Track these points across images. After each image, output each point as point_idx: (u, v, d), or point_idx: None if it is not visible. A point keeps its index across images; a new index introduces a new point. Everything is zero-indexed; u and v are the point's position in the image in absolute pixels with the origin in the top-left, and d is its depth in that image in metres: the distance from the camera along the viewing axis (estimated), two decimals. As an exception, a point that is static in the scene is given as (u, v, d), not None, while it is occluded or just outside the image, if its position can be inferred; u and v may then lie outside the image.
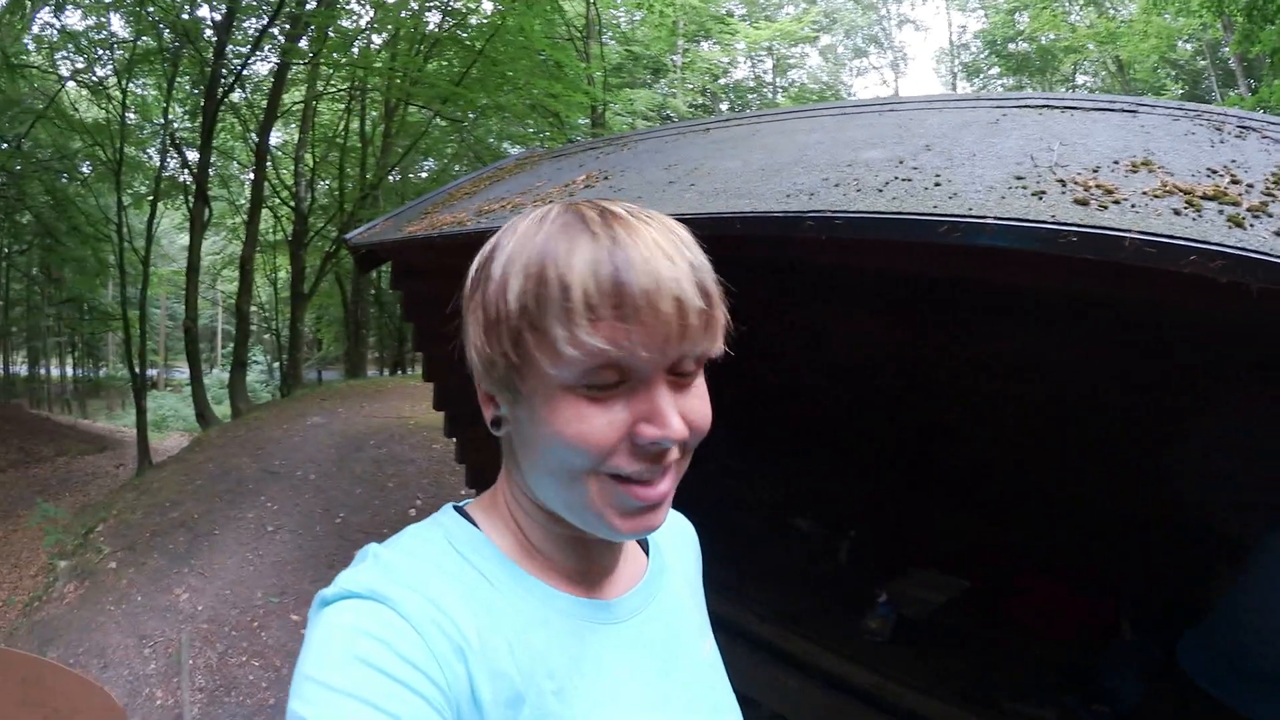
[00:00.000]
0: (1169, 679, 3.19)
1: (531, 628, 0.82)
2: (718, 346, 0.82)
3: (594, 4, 18.61)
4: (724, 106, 29.34)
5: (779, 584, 4.31)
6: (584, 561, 0.92)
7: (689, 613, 1.06)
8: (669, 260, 0.75)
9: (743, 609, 4.01)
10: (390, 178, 20.45)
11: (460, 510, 0.93)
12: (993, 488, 4.56)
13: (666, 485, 0.81)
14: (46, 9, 14.54)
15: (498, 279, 0.78)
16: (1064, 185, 1.74)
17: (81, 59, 15.75)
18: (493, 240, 0.84)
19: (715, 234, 2.03)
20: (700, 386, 0.83)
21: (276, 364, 26.42)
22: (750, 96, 32.08)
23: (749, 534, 4.78)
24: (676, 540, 1.15)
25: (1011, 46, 29.77)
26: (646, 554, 1.07)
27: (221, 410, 17.36)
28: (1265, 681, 2.82)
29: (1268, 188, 1.70)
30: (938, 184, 1.87)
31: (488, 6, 16.26)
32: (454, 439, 5.06)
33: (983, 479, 4.62)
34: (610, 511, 0.80)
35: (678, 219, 0.84)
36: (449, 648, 0.74)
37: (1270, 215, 1.56)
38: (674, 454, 0.80)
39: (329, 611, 0.75)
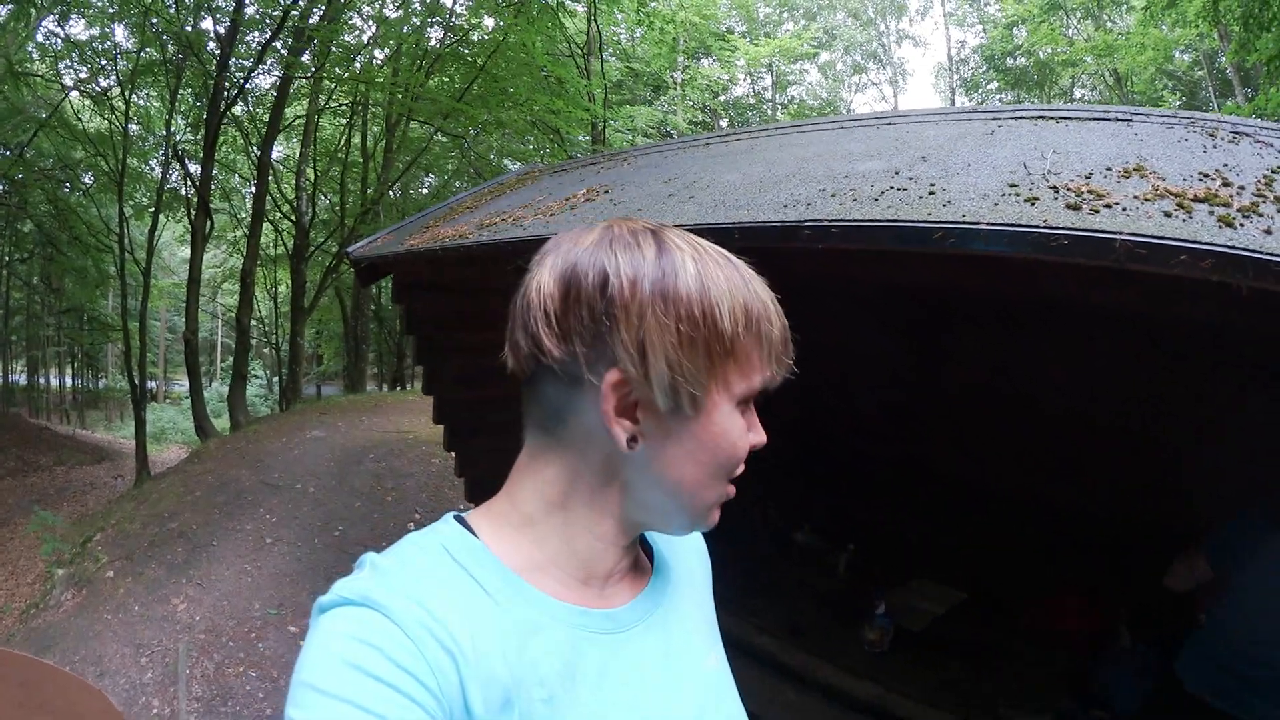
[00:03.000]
0: (1167, 683, 3.19)
1: (526, 635, 0.83)
2: None
3: (595, 21, 18.59)
4: (724, 123, 29.24)
5: (779, 597, 4.32)
6: (598, 568, 0.93)
7: (694, 623, 1.06)
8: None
9: (743, 622, 4.02)
10: (391, 193, 20.47)
11: (461, 520, 0.93)
12: (989, 499, 4.57)
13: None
14: (51, 18, 14.53)
15: (698, 301, 0.83)
16: (1056, 191, 1.76)
17: (85, 69, 15.75)
18: (654, 256, 0.85)
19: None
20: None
21: (276, 378, 26.39)
22: (750, 113, 32.01)
23: (749, 548, 4.79)
24: (683, 549, 1.15)
25: (1010, 61, 29.83)
26: (652, 563, 1.07)
27: (221, 423, 17.29)
28: (1263, 686, 2.83)
29: (1259, 189, 1.72)
30: (932, 193, 1.89)
31: (489, 23, 16.29)
32: (453, 453, 5.05)
33: (979, 491, 4.63)
34: (715, 509, 0.94)
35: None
36: (442, 654, 0.74)
37: (1261, 215, 1.57)
38: None
39: (325, 619, 0.76)
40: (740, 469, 0.92)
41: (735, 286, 0.85)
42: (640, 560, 1.05)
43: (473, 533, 0.90)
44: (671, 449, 0.86)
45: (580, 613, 0.89)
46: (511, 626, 0.82)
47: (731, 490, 0.93)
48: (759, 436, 0.92)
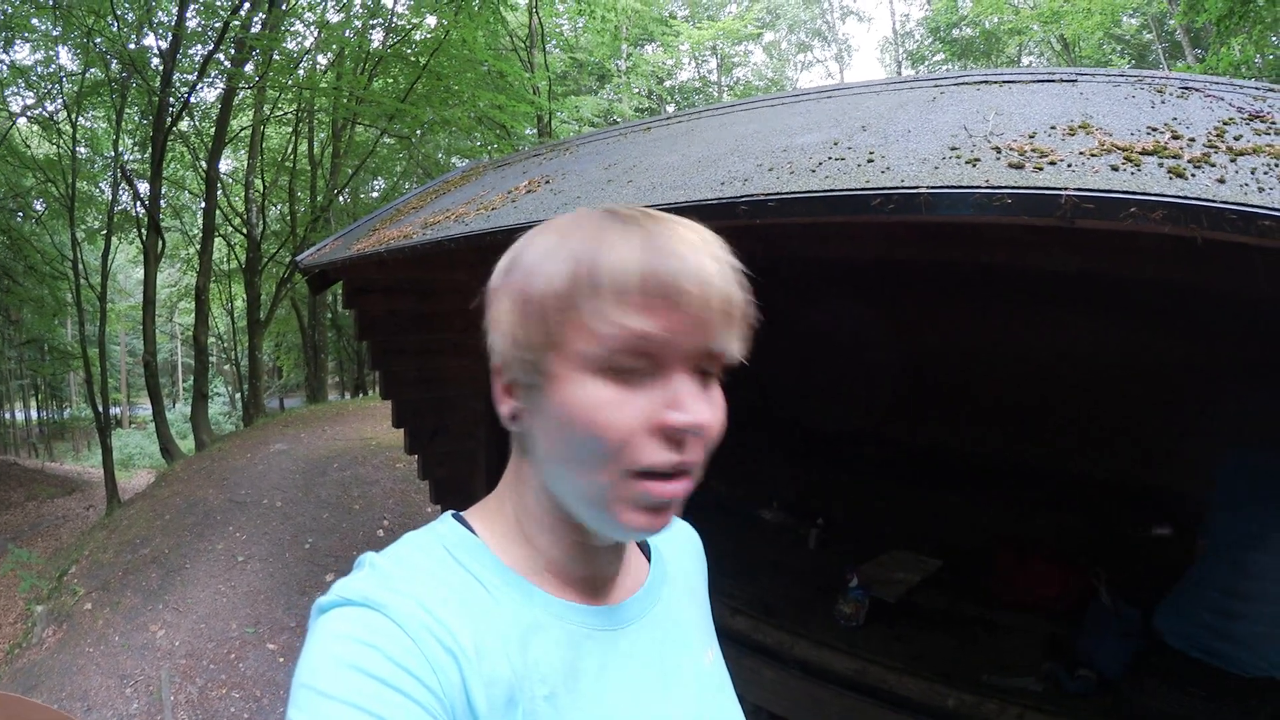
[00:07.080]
0: (1151, 641, 3.20)
1: (527, 633, 0.82)
2: (740, 349, 0.83)
3: (537, 13, 18.57)
4: (670, 108, 29.27)
5: (751, 576, 4.30)
6: (589, 569, 0.92)
7: (691, 622, 1.06)
8: (714, 260, 0.79)
9: (716, 603, 4.00)
10: (341, 199, 20.39)
11: (459, 518, 0.92)
12: (957, 466, 4.58)
13: (680, 487, 0.81)
14: (-5, 45, 14.36)
15: (537, 266, 0.80)
16: (999, 152, 1.73)
17: (32, 94, 15.62)
18: (525, 238, 0.86)
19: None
20: (717, 394, 0.84)
21: (238, 394, 26.19)
22: (695, 97, 32.10)
23: (717, 528, 4.78)
24: (680, 548, 1.15)
25: (955, 32, 29.97)
26: (649, 561, 1.06)
27: (186, 444, 17.15)
28: (1239, 637, 2.85)
29: (1210, 140, 1.70)
30: (870, 161, 1.86)
31: (431, 21, 16.20)
32: (416, 456, 5.00)
33: (947, 458, 4.64)
34: (622, 506, 0.79)
35: None
36: (443, 653, 0.74)
37: (1213, 165, 1.55)
38: (694, 452, 0.80)
39: (324, 619, 0.76)
40: (653, 460, 0.77)
41: (594, 244, 0.77)
42: (638, 557, 1.05)
43: (471, 531, 0.90)
44: (540, 424, 0.83)
45: (579, 610, 0.89)
46: (513, 624, 0.82)
47: (653, 488, 0.78)
48: (681, 415, 0.77)
